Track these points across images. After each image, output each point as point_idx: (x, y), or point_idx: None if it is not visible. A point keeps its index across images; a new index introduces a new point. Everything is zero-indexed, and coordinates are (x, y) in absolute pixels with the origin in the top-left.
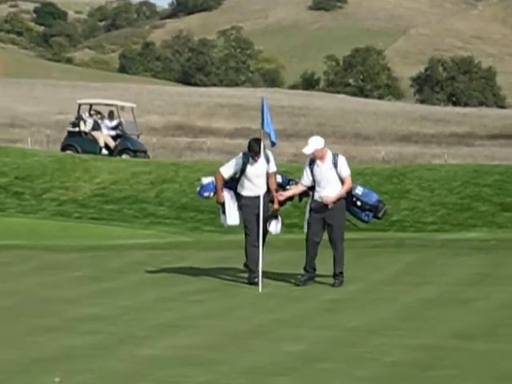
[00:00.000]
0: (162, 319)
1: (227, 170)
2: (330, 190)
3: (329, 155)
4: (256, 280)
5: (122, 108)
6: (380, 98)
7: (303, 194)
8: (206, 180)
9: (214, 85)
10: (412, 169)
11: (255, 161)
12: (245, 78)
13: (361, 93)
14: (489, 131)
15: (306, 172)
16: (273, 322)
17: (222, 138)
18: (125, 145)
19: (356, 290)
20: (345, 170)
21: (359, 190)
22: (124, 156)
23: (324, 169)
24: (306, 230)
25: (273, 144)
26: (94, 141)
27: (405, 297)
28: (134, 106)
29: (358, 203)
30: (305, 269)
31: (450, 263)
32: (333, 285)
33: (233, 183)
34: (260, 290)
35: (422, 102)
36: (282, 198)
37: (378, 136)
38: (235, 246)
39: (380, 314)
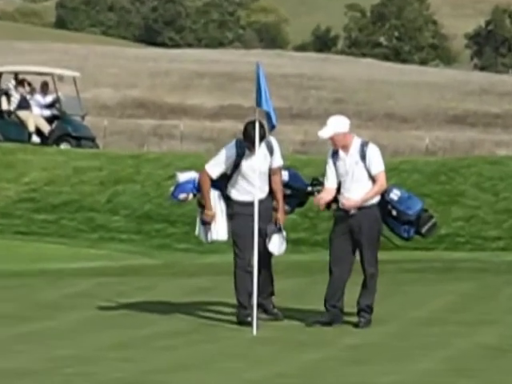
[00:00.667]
0: (116, 374)
1: (216, 168)
2: (356, 192)
3: (355, 144)
4: (248, 319)
5: (61, 78)
6: (423, 63)
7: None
8: (183, 176)
9: (190, 45)
10: (468, 162)
11: (254, 152)
12: (233, 35)
13: (396, 56)
14: None
15: (329, 168)
16: (271, 379)
17: (200, 120)
18: (64, 129)
19: (388, 332)
20: (376, 164)
21: (395, 195)
22: (63, 145)
23: (348, 163)
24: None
25: (272, 127)
26: (21, 124)
27: (456, 342)
28: (76, 75)
29: (394, 213)
30: (324, 305)
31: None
32: (357, 325)
33: (220, 181)
34: (254, 332)
35: (482, 68)
36: (316, 202)
37: (419, 117)
38: (219, 270)
39: (422, 367)
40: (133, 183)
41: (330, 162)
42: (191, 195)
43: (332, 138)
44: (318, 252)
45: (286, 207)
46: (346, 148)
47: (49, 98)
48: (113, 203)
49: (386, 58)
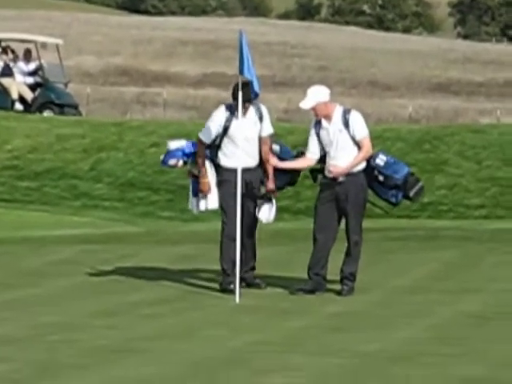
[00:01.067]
0: (101, 341)
1: (207, 134)
2: (342, 160)
3: (337, 112)
4: (231, 287)
5: (44, 45)
6: (406, 31)
7: (316, 171)
8: (174, 144)
9: (173, 13)
10: (451, 131)
11: (243, 116)
12: (216, 3)
13: (379, 24)
14: None
15: (312, 138)
16: (254, 346)
17: (183, 88)
18: (47, 97)
19: (371, 300)
20: (359, 130)
21: (381, 160)
22: (46, 113)
23: (332, 131)
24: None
25: (255, 95)
26: (4, 91)
27: (440, 310)
28: (59, 42)
29: (381, 178)
30: (308, 273)
31: (503, 262)
32: (340, 292)
33: (211, 149)
34: (237, 300)
35: (466, 37)
36: (279, 165)
37: (403, 85)
38: (203, 238)
39: (404, 335)
40: (116, 151)
41: (313, 132)
42: (181, 161)
43: (314, 109)
44: (301, 220)
45: (277, 182)
46: (328, 117)
47: (32, 66)
48: (96, 171)
49: (369, 26)
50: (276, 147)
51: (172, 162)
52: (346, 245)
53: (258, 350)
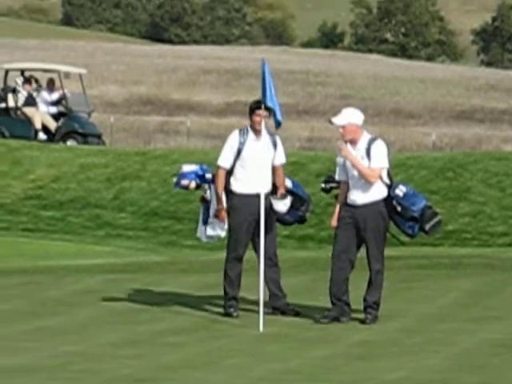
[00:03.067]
0: (125, 370)
1: (227, 160)
2: (362, 188)
3: (364, 139)
4: (231, 310)
5: (67, 75)
6: (430, 59)
7: (331, 181)
8: (186, 167)
9: (196, 42)
10: (475, 158)
11: (257, 139)
12: (239, 32)
13: (402, 52)
14: None
15: (338, 163)
16: (278, 375)
17: (207, 117)
18: (71, 126)
19: (395, 328)
20: (377, 159)
21: (400, 191)
22: (70, 142)
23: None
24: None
25: (278, 124)
26: (28, 121)
27: (463, 338)
28: (83, 71)
29: (399, 209)
30: (331, 299)
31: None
32: (363, 321)
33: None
34: (261, 329)
35: (489, 64)
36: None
37: (426, 113)
38: None
39: (429, 363)
40: (139, 180)
41: (339, 157)
42: (193, 183)
43: (344, 127)
44: (325, 248)
45: (287, 216)
46: (354, 142)
47: (55, 95)
48: (119, 200)
49: (392, 54)
50: (288, 182)
51: (184, 182)
52: (369, 274)
53: (282, 379)
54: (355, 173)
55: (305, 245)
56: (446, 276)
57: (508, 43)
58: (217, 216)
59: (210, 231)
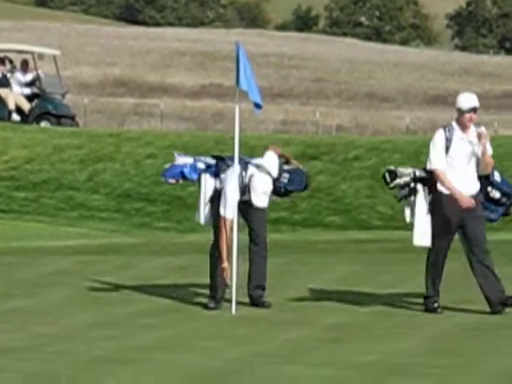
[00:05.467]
0: (97, 351)
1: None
2: (471, 175)
3: (472, 126)
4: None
5: (41, 56)
6: (404, 43)
7: (394, 172)
8: (181, 159)
9: (170, 24)
10: None
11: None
12: (214, 14)
13: (377, 36)
14: None
15: (439, 150)
16: (251, 357)
17: (181, 99)
18: (44, 108)
19: (368, 312)
20: (489, 148)
21: (497, 176)
22: (43, 123)
23: (467, 145)
24: (417, 243)
25: (258, 107)
26: (1, 102)
27: (437, 322)
28: (57, 53)
29: (497, 195)
30: (428, 296)
31: (503, 274)
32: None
33: (217, 167)
34: (233, 312)
35: (463, 49)
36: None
37: (400, 97)
38: (199, 249)
39: (402, 346)
40: (113, 162)
41: (442, 142)
42: (181, 181)
43: (474, 111)
44: (298, 231)
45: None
46: (467, 129)
47: (29, 76)
48: (93, 181)
49: (366, 37)
50: (285, 177)
51: (171, 180)
52: (477, 264)
53: (254, 361)
54: (465, 159)
55: (278, 228)
56: (419, 259)
57: (482, 28)
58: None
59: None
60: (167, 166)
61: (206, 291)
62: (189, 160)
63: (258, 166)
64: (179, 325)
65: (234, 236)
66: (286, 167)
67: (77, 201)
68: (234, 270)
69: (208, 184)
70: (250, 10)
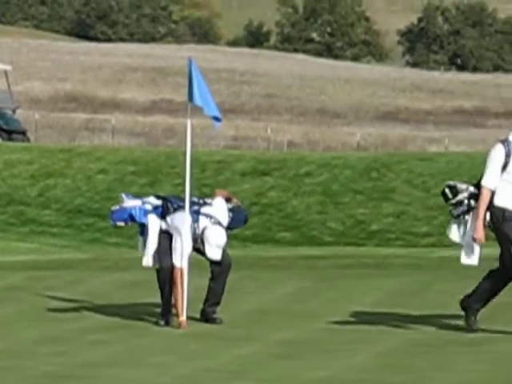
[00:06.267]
0: (47, 367)
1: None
2: None
3: None
4: (161, 322)
5: None
6: (355, 59)
7: (454, 188)
8: (129, 202)
9: (122, 40)
10: (399, 159)
11: None
12: (165, 30)
13: (328, 52)
14: (507, 106)
15: (495, 167)
16: (202, 373)
17: (132, 114)
18: None
19: (319, 327)
20: None
21: None
22: None
23: None
24: (466, 261)
25: (217, 120)
26: None
27: (388, 338)
28: (8, 68)
29: None
30: (468, 307)
31: (450, 290)
32: None
33: (163, 208)
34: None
35: (414, 65)
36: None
37: (351, 113)
38: None
39: (352, 362)
40: (64, 177)
41: (501, 159)
42: (129, 223)
43: None
44: (248, 247)
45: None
46: None
47: None
48: (44, 197)
49: (318, 53)
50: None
51: (120, 223)
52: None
53: (205, 377)
54: None
55: (229, 243)
56: (370, 275)
57: (433, 44)
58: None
59: (144, 261)
60: (114, 208)
61: (157, 308)
62: (137, 202)
63: (209, 217)
64: (130, 340)
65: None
66: (228, 206)
67: (28, 216)
68: (185, 284)
69: (155, 226)
70: (201, 26)
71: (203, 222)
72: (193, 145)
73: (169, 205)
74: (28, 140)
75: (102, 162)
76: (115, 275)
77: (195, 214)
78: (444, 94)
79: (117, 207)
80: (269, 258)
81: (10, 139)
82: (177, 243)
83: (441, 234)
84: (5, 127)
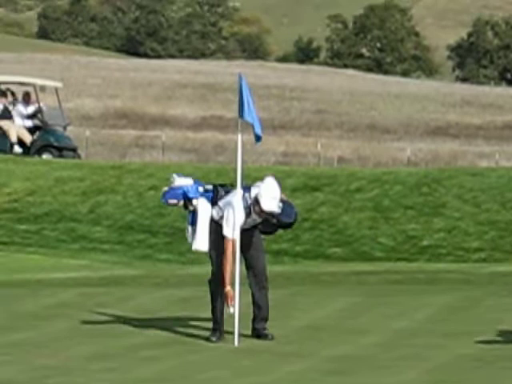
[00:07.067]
0: None
1: (234, 229)
2: None
3: None
4: (213, 338)
5: (43, 88)
6: (405, 74)
7: None
8: (179, 181)
9: (172, 56)
10: (450, 174)
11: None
12: (215, 46)
13: (378, 68)
14: None
15: None
16: None
17: (182, 131)
18: (46, 140)
19: (371, 343)
20: None
21: None
22: (45, 156)
23: None
24: None
25: (258, 138)
26: (3, 134)
27: (439, 353)
28: (59, 85)
29: None
30: None
31: (502, 305)
32: None
33: (214, 194)
34: (236, 343)
35: (464, 80)
36: None
37: (401, 128)
38: (201, 281)
39: (406, 378)
40: (114, 194)
41: None
42: (181, 202)
43: None
44: (299, 263)
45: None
46: None
47: (31, 109)
48: (95, 213)
49: (368, 69)
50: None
51: (172, 201)
52: None
53: None
54: None
55: (280, 259)
56: (421, 291)
57: (483, 59)
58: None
59: (196, 245)
60: (166, 188)
61: (209, 323)
62: (189, 181)
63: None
64: (181, 357)
65: (237, 264)
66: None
67: (79, 233)
68: (237, 301)
69: (205, 209)
70: (251, 42)
71: (254, 191)
72: (243, 161)
73: (219, 189)
74: (79, 157)
75: (153, 179)
76: (166, 291)
77: (246, 189)
78: (494, 109)
79: (167, 188)
80: (320, 274)
81: (61, 156)
82: (229, 215)
83: (492, 249)
84: (56, 144)
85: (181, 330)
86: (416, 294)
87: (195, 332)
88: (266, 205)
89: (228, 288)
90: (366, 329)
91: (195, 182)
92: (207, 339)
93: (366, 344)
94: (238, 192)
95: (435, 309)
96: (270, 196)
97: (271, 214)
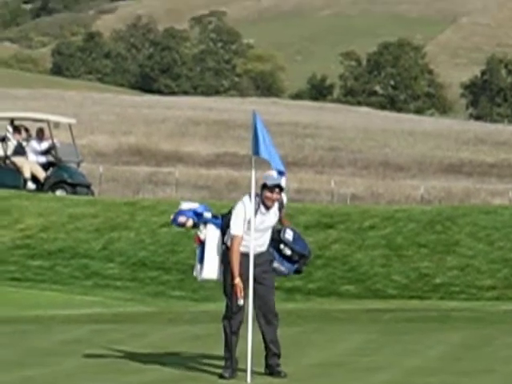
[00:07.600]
0: None
1: (240, 226)
2: None
3: None
4: (225, 374)
5: (57, 125)
6: (418, 112)
7: None
8: (186, 205)
9: (186, 93)
10: (463, 212)
11: (267, 210)
12: (229, 83)
13: (392, 105)
14: None
15: None
16: None
17: (195, 168)
18: (60, 176)
19: (383, 381)
20: None
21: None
22: (59, 192)
23: None
24: None
25: (280, 173)
26: (17, 170)
27: None
28: (72, 121)
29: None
30: None
31: None
32: None
33: (223, 220)
34: (249, 380)
35: (478, 118)
36: None
37: (415, 166)
38: (214, 318)
39: None
40: (128, 230)
41: None
42: (190, 221)
43: None
44: (313, 301)
45: (283, 268)
46: None
47: (44, 145)
48: (108, 250)
49: (381, 106)
50: (289, 234)
51: (182, 219)
52: None
53: None
54: None
55: (292, 297)
56: (434, 329)
57: (497, 97)
58: (238, 289)
59: (204, 274)
60: (172, 215)
61: (222, 360)
62: (195, 205)
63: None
64: None
65: (250, 300)
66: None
67: (92, 269)
68: (249, 337)
69: (214, 236)
70: (264, 79)
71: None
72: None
73: (228, 216)
74: (92, 193)
75: (166, 216)
76: (179, 328)
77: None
78: (508, 147)
79: (178, 210)
80: (333, 311)
81: (75, 192)
82: (236, 212)
83: (505, 288)
84: (69, 181)
85: (193, 366)
86: (429, 332)
87: (208, 369)
88: (270, 179)
89: (237, 280)
90: (378, 366)
91: (202, 205)
92: (220, 376)
93: (378, 382)
94: (245, 198)
95: (448, 347)
96: (271, 173)
97: (281, 203)
